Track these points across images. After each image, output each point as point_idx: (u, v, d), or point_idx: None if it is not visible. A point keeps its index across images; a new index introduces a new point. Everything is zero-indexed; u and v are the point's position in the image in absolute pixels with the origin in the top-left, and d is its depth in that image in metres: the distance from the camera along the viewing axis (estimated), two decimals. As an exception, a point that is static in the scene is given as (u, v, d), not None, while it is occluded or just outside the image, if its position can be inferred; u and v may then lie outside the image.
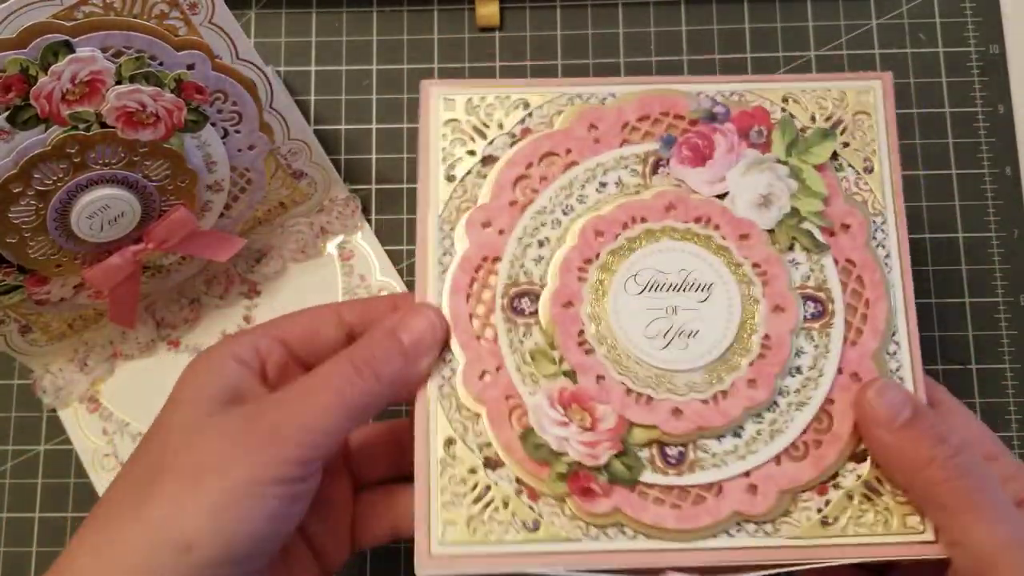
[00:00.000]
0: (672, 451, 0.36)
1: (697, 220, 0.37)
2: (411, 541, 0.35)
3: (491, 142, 0.38)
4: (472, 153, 0.38)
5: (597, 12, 0.53)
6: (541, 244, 0.37)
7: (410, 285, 0.50)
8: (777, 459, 0.36)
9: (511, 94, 0.38)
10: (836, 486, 0.36)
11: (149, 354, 0.50)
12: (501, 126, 0.38)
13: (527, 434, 0.35)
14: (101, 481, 0.49)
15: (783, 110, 0.38)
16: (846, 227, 0.37)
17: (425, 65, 0.53)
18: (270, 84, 0.42)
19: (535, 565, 0.34)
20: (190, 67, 0.39)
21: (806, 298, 0.37)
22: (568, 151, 0.38)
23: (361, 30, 0.53)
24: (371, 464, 0.42)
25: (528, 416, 0.35)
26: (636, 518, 0.35)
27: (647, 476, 0.35)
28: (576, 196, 0.37)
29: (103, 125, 0.38)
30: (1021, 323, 0.49)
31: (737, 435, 0.36)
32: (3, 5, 0.34)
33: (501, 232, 0.37)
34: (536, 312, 0.36)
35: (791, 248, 0.37)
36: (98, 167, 0.39)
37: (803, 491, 0.36)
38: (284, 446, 0.32)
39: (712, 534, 0.35)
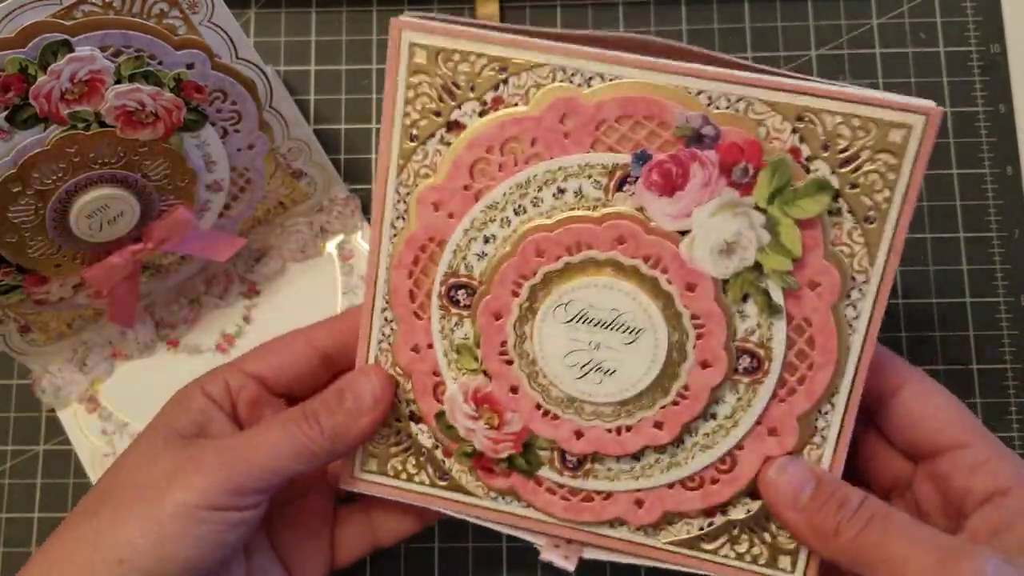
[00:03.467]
0: (571, 458, 0.37)
1: (646, 259, 0.34)
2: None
3: (459, 106, 0.35)
4: (438, 114, 0.35)
5: (597, 12, 0.53)
6: (487, 240, 0.36)
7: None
8: (670, 485, 0.37)
9: (488, 51, 0.34)
10: (724, 512, 0.37)
11: (148, 354, 0.50)
12: (473, 88, 0.34)
13: (441, 414, 0.37)
14: (100, 481, 0.49)
15: (794, 131, 0.33)
16: (815, 285, 0.34)
17: (425, 64, 0.53)
18: (269, 83, 0.42)
19: (437, 506, 0.39)
20: (189, 66, 0.39)
21: (743, 351, 0.35)
22: (534, 141, 0.34)
23: (361, 29, 0.53)
24: None
25: (444, 397, 0.37)
26: (528, 499, 0.37)
27: (544, 472, 0.37)
28: (531, 198, 0.35)
29: (102, 124, 0.38)
30: (1022, 323, 0.49)
31: (636, 458, 0.37)
32: (2, 5, 0.34)
33: (451, 216, 0.36)
34: (469, 307, 0.36)
35: (743, 299, 0.34)
36: (97, 167, 0.39)
37: (689, 516, 0.37)
38: (223, 476, 0.34)
39: (594, 526, 0.37)
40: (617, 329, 0.35)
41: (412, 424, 0.38)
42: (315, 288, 0.50)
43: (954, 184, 0.51)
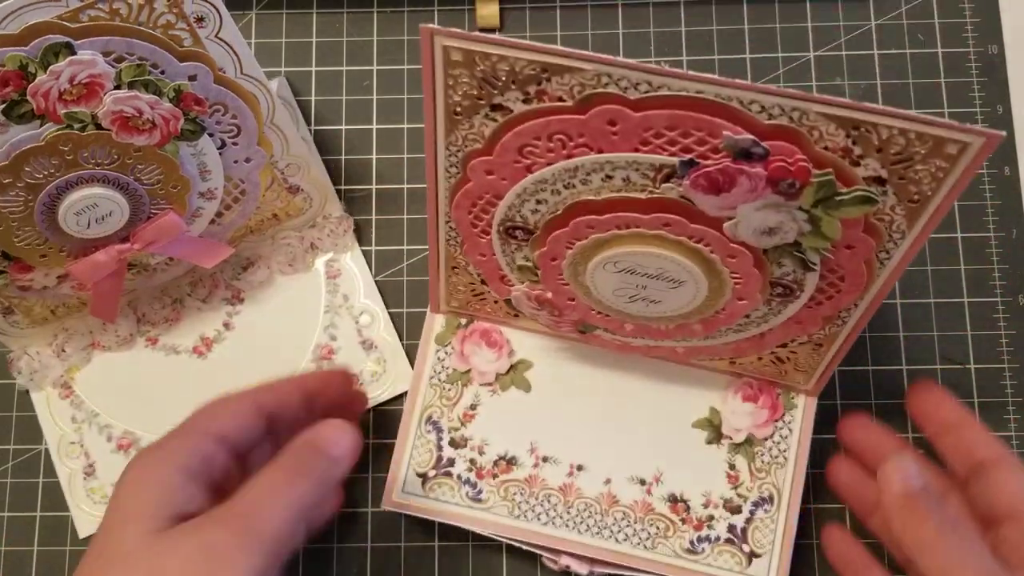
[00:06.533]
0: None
1: (690, 237, 0.35)
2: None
3: (502, 93, 0.33)
4: (480, 99, 0.33)
5: (597, 12, 0.53)
6: (539, 203, 0.37)
7: (410, 284, 0.51)
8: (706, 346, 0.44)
9: (526, 56, 0.31)
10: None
11: (127, 348, 0.50)
12: (515, 82, 0.32)
13: (508, 301, 0.44)
14: (64, 470, 0.49)
15: (847, 136, 0.31)
16: (851, 247, 0.35)
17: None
18: (272, 100, 0.42)
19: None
20: (192, 78, 0.38)
21: (777, 285, 0.38)
22: (581, 135, 0.33)
23: (361, 31, 0.53)
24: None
25: (512, 290, 0.43)
26: (586, 341, 0.46)
27: (598, 332, 0.44)
28: (580, 179, 0.35)
29: (98, 127, 0.38)
30: (1020, 323, 0.49)
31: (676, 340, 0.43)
32: (8, 2, 0.34)
33: (503, 179, 0.36)
34: (527, 240, 0.39)
35: (781, 257, 0.36)
36: (89, 166, 0.39)
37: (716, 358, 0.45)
38: (247, 563, 0.32)
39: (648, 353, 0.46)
40: (662, 279, 0.38)
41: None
42: (298, 302, 0.50)
43: (952, 185, 0.50)
